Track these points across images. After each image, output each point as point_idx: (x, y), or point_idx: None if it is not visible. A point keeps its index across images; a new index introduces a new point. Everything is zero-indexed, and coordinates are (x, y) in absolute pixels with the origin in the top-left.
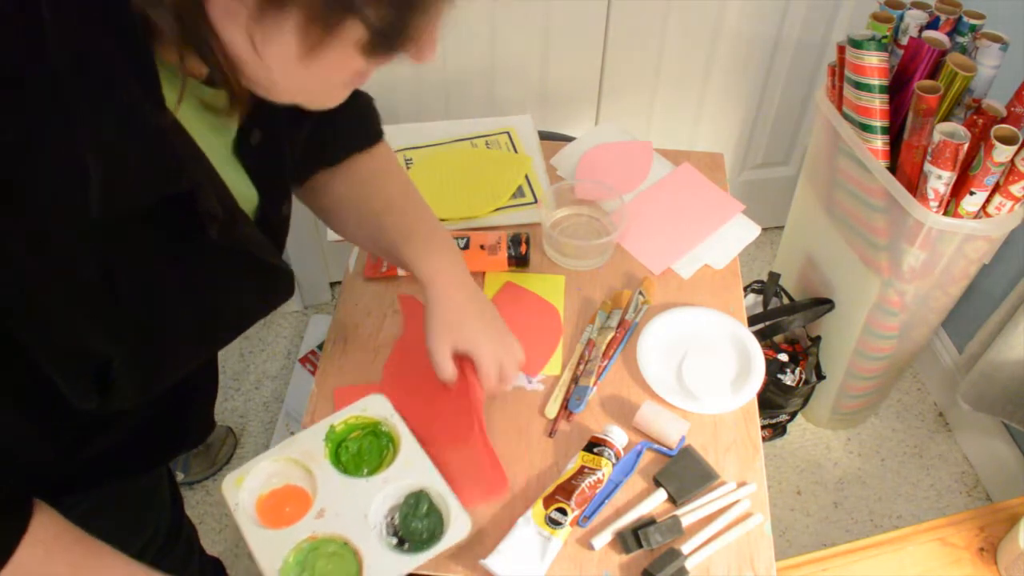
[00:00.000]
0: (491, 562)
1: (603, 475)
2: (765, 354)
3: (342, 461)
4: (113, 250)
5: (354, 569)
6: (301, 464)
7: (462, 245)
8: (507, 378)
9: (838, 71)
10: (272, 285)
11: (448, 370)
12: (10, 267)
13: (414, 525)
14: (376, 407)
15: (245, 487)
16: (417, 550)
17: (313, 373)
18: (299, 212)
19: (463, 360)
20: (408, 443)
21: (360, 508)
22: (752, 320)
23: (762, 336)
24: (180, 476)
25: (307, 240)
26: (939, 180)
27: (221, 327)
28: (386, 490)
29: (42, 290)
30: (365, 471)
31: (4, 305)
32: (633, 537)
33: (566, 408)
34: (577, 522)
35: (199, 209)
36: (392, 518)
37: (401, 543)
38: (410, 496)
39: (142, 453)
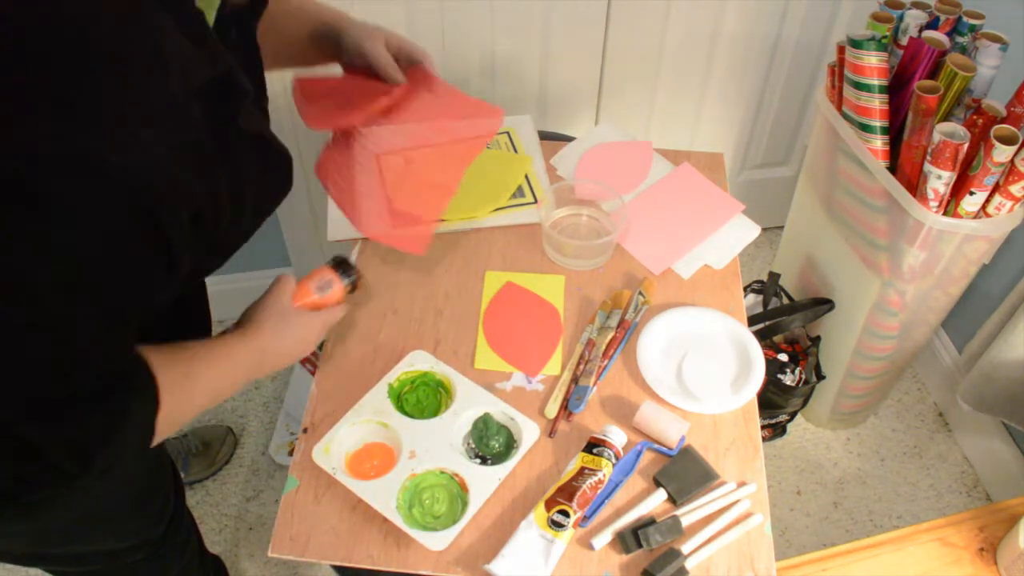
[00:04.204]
0: (495, 567)
1: (603, 476)
2: (765, 354)
3: (407, 411)
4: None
5: (456, 489)
6: (376, 422)
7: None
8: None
9: (838, 71)
10: (278, 168)
11: (392, 63)
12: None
13: (491, 443)
14: (419, 361)
15: (333, 453)
16: (501, 461)
17: (313, 373)
18: (300, 214)
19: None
20: (461, 381)
21: (443, 441)
22: (752, 320)
23: (762, 336)
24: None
25: (307, 240)
26: (939, 180)
27: (247, 215)
28: (457, 423)
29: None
30: (428, 415)
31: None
32: (633, 537)
33: (566, 408)
34: (578, 523)
35: (234, 88)
36: (469, 443)
37: (484, 461)
38: (478, 421)
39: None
